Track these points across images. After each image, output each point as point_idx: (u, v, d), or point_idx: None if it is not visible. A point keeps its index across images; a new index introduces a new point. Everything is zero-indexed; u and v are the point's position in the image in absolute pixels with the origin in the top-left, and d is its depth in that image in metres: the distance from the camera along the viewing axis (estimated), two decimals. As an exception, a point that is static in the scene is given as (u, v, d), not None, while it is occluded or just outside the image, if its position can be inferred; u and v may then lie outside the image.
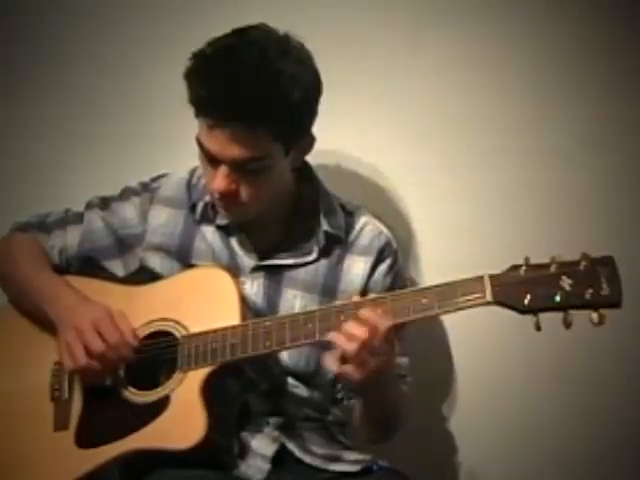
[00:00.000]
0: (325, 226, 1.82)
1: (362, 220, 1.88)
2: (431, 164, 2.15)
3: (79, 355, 1.70)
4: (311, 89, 1.71)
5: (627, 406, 2.13)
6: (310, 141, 1.78)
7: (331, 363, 1.60)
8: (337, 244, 1.84)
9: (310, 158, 1.86)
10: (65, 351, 1.72)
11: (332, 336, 1.59)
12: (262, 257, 1.83)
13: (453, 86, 2.15)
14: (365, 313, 1.57)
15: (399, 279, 1.87)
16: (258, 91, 1.64)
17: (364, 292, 1.81)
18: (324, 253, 1.83)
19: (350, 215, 1.88)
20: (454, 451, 2.18)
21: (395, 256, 1.88)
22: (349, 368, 1.58)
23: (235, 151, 1.67)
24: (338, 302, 1.69)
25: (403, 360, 1.86)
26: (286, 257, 1.82)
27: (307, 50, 1.73)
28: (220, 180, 1.70)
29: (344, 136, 2.13)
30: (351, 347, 1.56)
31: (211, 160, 1.71)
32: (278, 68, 1.66)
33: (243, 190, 1.72)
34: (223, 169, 1.69)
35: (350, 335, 1.57)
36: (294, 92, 1.66)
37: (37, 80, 2.21)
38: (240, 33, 1.71)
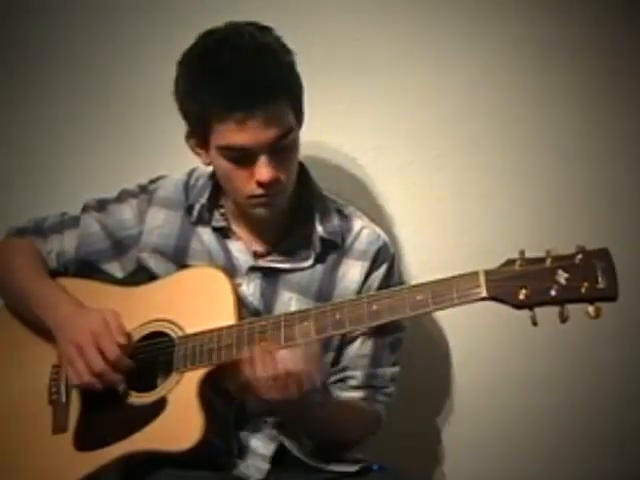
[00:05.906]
0: (321, 232, 1.81)
1: (359, 224, 1.87)
2: (431, 163, 2.15)
3: (82, 373, 1.70)
4: (293, 53, 1.75)
5: (627, 402, 2.13)
6: (303, 111, 1.79)
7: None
8: (333, 249, 1.83)
9: (308, 158, 1.86)
10: (68, 367, 1.72)
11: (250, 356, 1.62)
12: (258, 259, 1.83)
13: (452, 85, 2.15)
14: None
15: (395, 284, 1.84)
16: (269, 66, 1.67)
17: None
18: (320, 259, 1.82)
19: (347, 219, 1.87)
20: (454, 451, 2.18)
21: (392, 261, 1.87)
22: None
23: (272, 132, 1.67)
24: (335, 300, 1.69)
25: (391, 370, 1.86)
26: (282, 261, 1.82)
27: None
28: (266, 170, 1.68)
29: (343, 136, 2.14)
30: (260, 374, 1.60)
31: (243, 158, 1.69)
32: (268, 42, 1.70)
33: (282, 173, 1.71)
34: (263, 159, 1.68)
35: (265, 365, 1.60)
36: (289, 58, 1.72)
37: (36, 81, 2.21)
38: (218, 31, 1.73)
